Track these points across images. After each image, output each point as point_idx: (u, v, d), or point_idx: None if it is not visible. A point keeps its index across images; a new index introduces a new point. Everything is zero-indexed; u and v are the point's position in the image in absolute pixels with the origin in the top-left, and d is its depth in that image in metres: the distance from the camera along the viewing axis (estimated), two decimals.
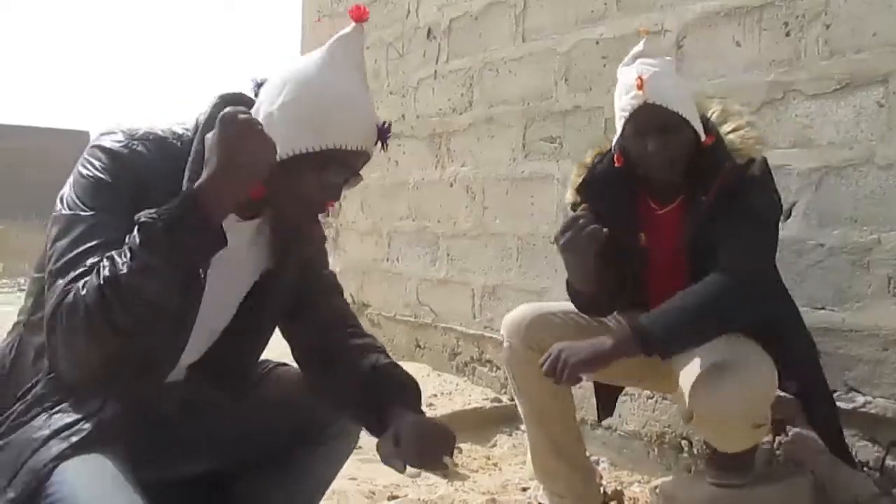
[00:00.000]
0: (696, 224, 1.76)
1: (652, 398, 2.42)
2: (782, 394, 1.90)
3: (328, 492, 2.09)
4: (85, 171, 1.19)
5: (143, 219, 1.09)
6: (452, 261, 3.33)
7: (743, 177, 1.72)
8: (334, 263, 4.34)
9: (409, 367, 3.37)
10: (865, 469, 1.93)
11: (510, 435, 2.76)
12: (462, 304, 3.25)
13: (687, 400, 1.70)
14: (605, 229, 1.66)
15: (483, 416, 2.83)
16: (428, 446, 1.30)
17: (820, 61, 2.00)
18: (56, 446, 1.13)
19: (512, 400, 2.90)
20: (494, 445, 2.73)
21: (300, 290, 1.44)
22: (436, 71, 3.40)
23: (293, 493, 1.51)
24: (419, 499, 2.18)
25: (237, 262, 1.31)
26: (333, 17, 4.07)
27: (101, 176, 1.18)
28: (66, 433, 1.15)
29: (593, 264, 1.73)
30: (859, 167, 1.93)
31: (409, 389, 1.42)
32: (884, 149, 1.88)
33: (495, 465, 2.56)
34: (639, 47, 1.78)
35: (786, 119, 2.08)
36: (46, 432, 1.14)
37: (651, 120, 1.70)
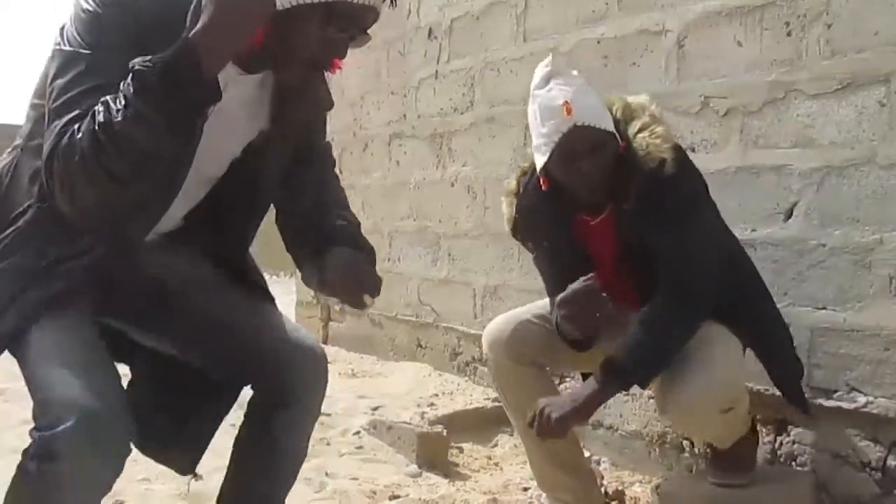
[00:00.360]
0: (626, 232, 1.80)
1: (653, 398, 2.42)
2: (777, 392, 1.90)
3: (330, 491, 2.10)
4: (86, 6, 1.18)
5: (137, 66, 1.08)
6: (454, 261, 3.33)
7: (658, 181, 1.72)
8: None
9: (410, 366, 3.43)
10: (867, 469, 1.93)
11: (511, 435, 2.75)
12: (463, 304, 3.25)
13: (656, 394, 1.78)
14: (606, 298, 1.70)
15: (484, 415, 2.83)
16: (353, 278, 1.31)
17: (821, 61, 2.00)
18: (44, 289, 1.18)
19: None
20: (496, 445, 2.73)
21: (296, 154, 1.43)
22: (437, 71, 3.40)
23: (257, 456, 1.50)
24: (420, 498, 2.18)
25: (236, 116, 1.30)
26: None
27: (102, 13, 1.17)
28: (54, 274, 1.20)
29: (593, 328, 1.77)
30: (861, 167, 1.93)
31: (364, 246, 1.40)
32: (885, 148, 1.88)
33: (496, 464, 2.56)
34: (546, 67, 1.76)
35: (787, 119, 2.08)
36: (36, 268, 1.20)
37: (582, 142, 1.70)
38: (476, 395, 3.03)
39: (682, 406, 1.72)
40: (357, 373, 3.52)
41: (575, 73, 1.80)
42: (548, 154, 1.72)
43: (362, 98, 3.94)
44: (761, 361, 1.90)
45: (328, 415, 2.72)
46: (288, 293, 6.30)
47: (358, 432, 2.58)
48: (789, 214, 2.08)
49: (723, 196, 2.20)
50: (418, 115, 3.55)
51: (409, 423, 2.60)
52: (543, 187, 1.83)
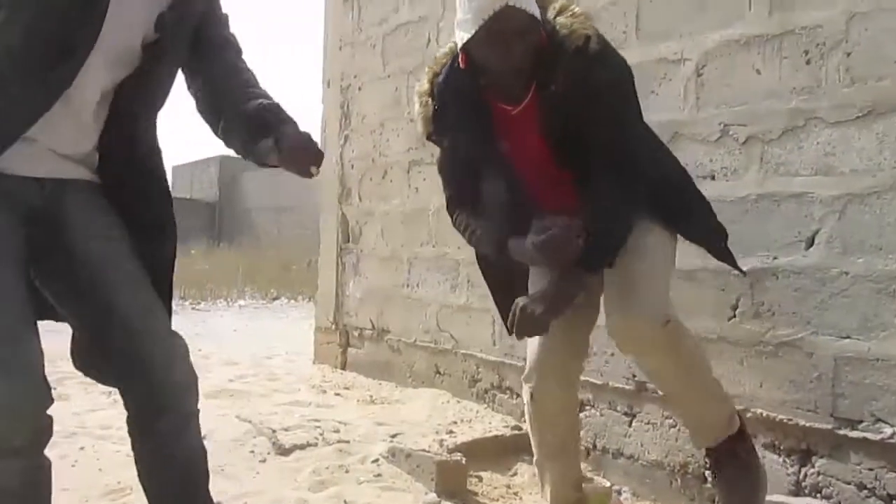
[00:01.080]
0: (554, 115, 1.77)
1: (675, 427, 2.40)
2: (809, 424, 1.88)
3: None
4: None
5: None
6: (473, 287, 3.33)
7: (587, 58, 1.72)
8: (354, 289, 4.35)
9: (428, 393, 3.41)
10: (894, 502, 1.89)
11: (531, 463, 2.72)
12: (482, 331, 3.25)
13: (607, 322, 1.81)
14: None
15: (503, 443, 2.81)
16: (303, 150, 1.56)
17: (841, 89, 2.00)
18: None
19: None
20: (515, 474, 2.70)
21: (197, 40, 1.60)
22: None
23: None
24: None
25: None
26: (354, 46, 4.13)
27: None
28: None
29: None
30: (883, 194, 1.92)
31: (291, 120, 1.61)
32: None
33: (516, 493, 2.54)
34: None
35: (808, 146, 2.07)
36: None
37: (512, 23, 1.67)
38: (495, 422, 3.01)
39: (631, 330, 1.76)
40: (375, 399, 3.52)
41: None
42: (474, 30, 1.69)
43: (382, 125, 3.97)
44: (687, 234, 1.95)
45: (346, 441, 2.72)
46: (307, 318, 6.35)
47: (377, 460, 2.57)
48: (811, 242, 2.06)
49: (743, 224, 2.20)
50: None
51: (428, 451, 2.59)
52: (462, 65, 1.79)
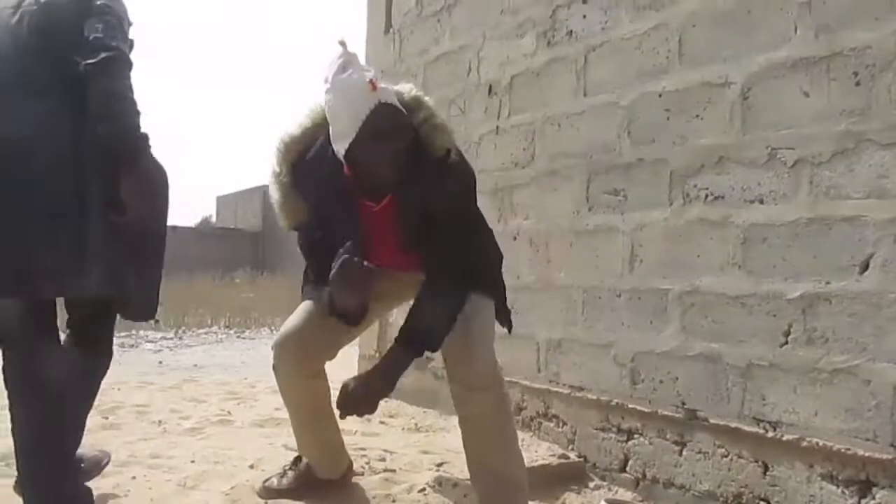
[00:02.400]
0: (409, 215, 1.97)
1: (727, 456, 2.35)
2: (867, 453, 1.82)
3: None
4: None
5: None
6: (516, 314, 3.29)
7: (449, 167, 1.94)
8: (397, 317, 4.36)
9: None
10: None
11: (579, 493, 2.70)
12: (527, 358, 3.23)
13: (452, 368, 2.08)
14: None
15: (550, 473, 2.78)
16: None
17: (892, 110, 1.96)
18: None
19: (580, 456, 2.86)
20: (563, 503, 2.67)
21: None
22: (497, 126, 3.45)
23: None
24: None
25: None
26: (395, 77, 4.18)
27: None
28: None
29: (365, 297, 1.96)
30: None
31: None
32: None
33: None
34: (340, 58, 1.86)
35: (859, 169, 2.04)
36: None
37: (388, 121, 1.81)
38: (541, 451, 2.98)
39: (471, 364, 2.02)
40: (420, 427, 3.51)
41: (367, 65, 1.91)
42: (354, 133, 1.82)
43: None
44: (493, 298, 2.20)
45: (392, 471, 2.71)
46: (351, 345, 6.37)
47: (423, 489, 2.56)
48: (865, 267, 2.02)
49: (793, 248, 2.17)
50: (480, 170, 3.56)
51: None
52: (347, 172, 1.93)
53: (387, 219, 2.01)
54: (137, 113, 1.86)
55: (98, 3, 1.88)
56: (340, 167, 1.94)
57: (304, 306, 2.23)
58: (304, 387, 2.26)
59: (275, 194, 2.08)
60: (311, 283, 2.19)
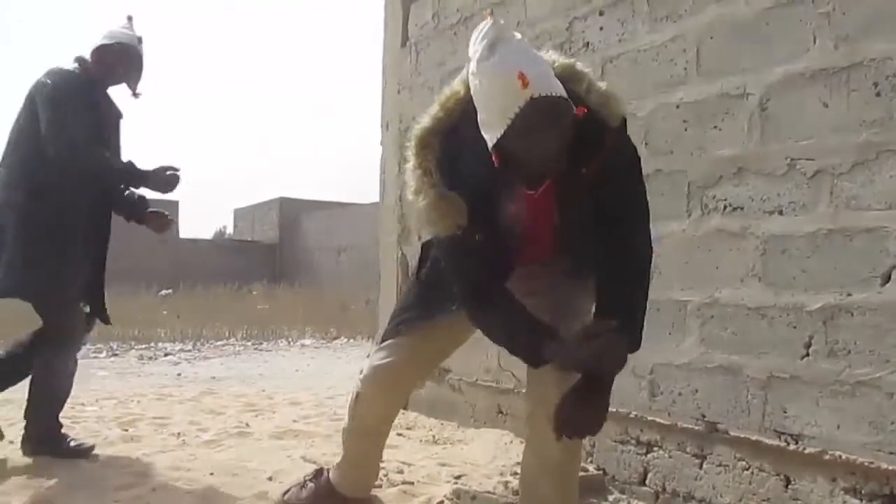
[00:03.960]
0: (574, 197, 1.74)
1: (748, 470, 2.33)
2: (891, 467, 1.80)
3: None
4: None
5: None
6: None
7: (623, 137, 1.75)
8: None
9: (491, 433, 3.39)
10: None
11: None
12: None
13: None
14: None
15: None
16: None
17: None
18: None
19: (599, 469, 2.84)
20: None
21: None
22: None
23: None
24: None
25: None
26: (412, 89, 4.20)
27: None
28: None
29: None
30: None
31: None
32: None
33: None
34: (484, 37, 1.60)
35: (880, 180, 2.02)
36: None
37: (543, 115, 1.56)
38: None
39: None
40: (438, 439, 3.50)
41: (518, 35, 1.64)
42: (503, 130, 1.58)
43: None
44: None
45: (411, 483, 2.70)
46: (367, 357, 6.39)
47: (441, 502, 2.55)
48: (887, 278, 2.00)
49: (814, 259, 2.15)
50: None
51: (493, 493, 2.56)
52: (496, 164, 1.64)
53: (547, 205, 1.76)
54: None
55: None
56: (490, 157, 1.65)
57: (401, 341, 2.09)
58: (385, 415, 2.30)
59: (426, 199, 1.73)
60: (434, 299, 1.99)
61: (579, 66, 1.76)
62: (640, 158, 1.85)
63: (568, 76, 1.70)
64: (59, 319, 2.86)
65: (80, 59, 2.95)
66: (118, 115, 3.07)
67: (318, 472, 2.45)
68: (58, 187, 2.78)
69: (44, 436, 2.92)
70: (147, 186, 2.96)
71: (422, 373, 2.12)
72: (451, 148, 1.74)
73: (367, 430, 2.30)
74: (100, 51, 2.94)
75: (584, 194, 1.73)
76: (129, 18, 3.06)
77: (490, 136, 1.63)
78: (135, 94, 3.03)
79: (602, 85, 1.74)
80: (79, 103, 2.80)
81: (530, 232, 1.81)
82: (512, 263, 1.85)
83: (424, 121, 1.79)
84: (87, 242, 2.88)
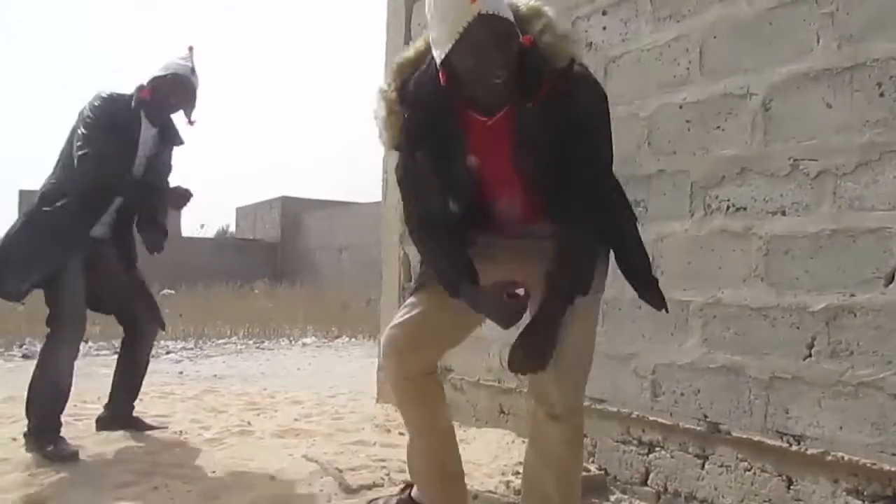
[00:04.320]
0: (528, 132, 1.75)
1: (750, 470, 2.32)
2: (894, 468, 1.80)
3: None
4: None
5: None
6: None
7: (570, 79, 1.71)
8: None
9: (492, 433, 3.39)
10: None
11: None
12: None
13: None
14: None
15: None
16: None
17: None
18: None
19: (601, 469, 2.84)
20: None
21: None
22: None
23: None
24: None
25: None
26: None
27: None
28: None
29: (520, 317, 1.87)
30: None
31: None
32: None
33: None
34: None
35: (884, 180, 2.02)
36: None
37: (489, 32, 1.62)
38: None
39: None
40: None
41: None
42: (450, 45, 1.65)
43: None
44: (620, 261, 1.96)
45: (412, 483, 2.70)
46: (368, 356, 6.39)
47: None
48: (891, 279, 2.00)
49: (817, 260, 2.15)
50: None
51: (495, 493, 2.56)
52: (442, 81, 1.72)
53: (501, 135, 1.78)
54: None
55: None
56: (443, 85, 1.74)
57: (421, 296, 2.07)
58: (413, 389, 2.07)
59: (380, 111, 1.86)
60: (428, 238, 2.00)
61: (546, 9, 1.79)
62: (605, 108, 1.81)
63: (531, 16, 1.75)
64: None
65: (138, 87, 3.13)
66: (172, 141, 3.27)
67: (406, 486, 2.36)
68: (66, 193, 2.98)
69: (43, 431, 2.95)
70: (160, 200, 3.15)
71: (443, 324, 2.06)
72: (412, 80, 1.83)
73: (410, 418, 2.15)
74: (154, 81, 3.12)
75: (539, 136, 1.75)
76: (190, 49, 3.20)
77: (439, 53, 1.70)
78: (190, 122, 3.19)
79: (559, 28, 1.76)
80: (107, 123, 3.00)
81: (486, 165, 1.83)
82: (476, 199, 1.90)
83: (407, 51, 1.91)
84: (73, 245, 3.02)
